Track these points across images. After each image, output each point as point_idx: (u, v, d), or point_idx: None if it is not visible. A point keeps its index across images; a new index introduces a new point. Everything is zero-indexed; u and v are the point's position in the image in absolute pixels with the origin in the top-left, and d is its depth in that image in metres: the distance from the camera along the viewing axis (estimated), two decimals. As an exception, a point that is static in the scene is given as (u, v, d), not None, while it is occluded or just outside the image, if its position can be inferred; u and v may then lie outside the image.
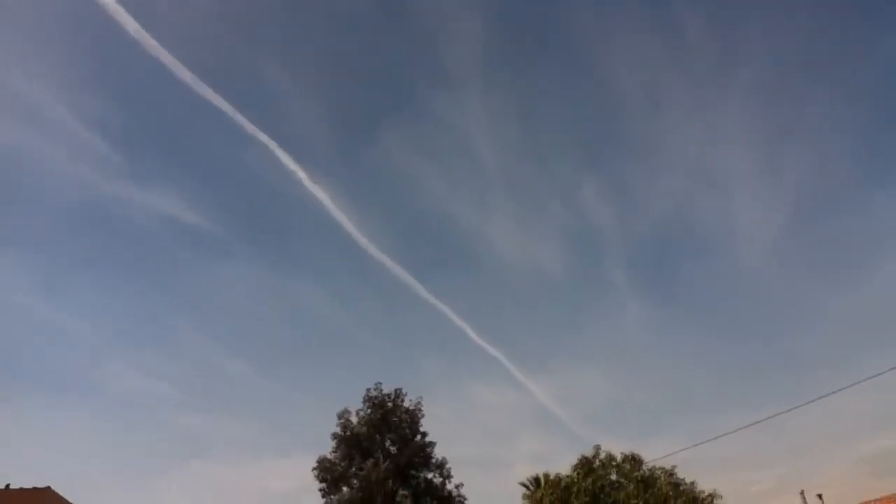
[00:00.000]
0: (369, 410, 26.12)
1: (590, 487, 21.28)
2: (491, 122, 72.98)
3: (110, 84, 64.49)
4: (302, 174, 52.64)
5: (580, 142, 74.73)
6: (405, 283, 56.98)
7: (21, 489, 18.47)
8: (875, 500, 29.08)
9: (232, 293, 70.74)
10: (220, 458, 63.57)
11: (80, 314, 64.74)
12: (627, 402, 65.69)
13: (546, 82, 71.07)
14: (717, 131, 68.21)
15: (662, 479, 21.64)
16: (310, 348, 72.00)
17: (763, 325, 67.83)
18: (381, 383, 26.70)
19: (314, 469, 25.44)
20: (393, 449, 25.90)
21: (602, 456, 22.75)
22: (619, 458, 22.65)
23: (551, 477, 24.05)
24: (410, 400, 26.80)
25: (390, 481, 24.33)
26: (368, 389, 26.60)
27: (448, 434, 48.51)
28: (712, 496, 21.02)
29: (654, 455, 23.17)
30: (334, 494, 24.82)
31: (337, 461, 25.37)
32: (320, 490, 25.25)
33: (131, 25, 46.50)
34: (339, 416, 26.19)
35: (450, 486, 25.58)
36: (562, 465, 23.43)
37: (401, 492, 23.61)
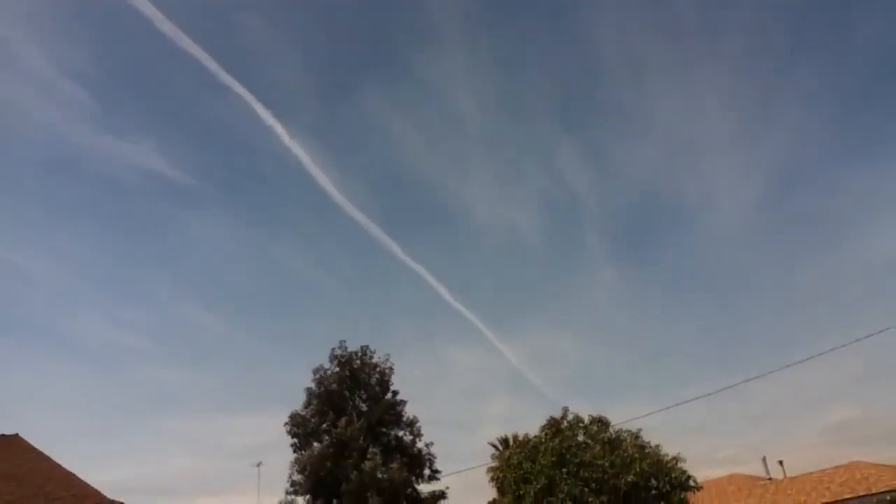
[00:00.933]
0: (337, 369, 26.20)
1: (557, 447, 21.63)
2: (472, 81, 72.06)
3: (89, 33, 62.61)
4: (280, 129, 51.74)
5: (561, 105, 74.31)
6: (381, 242, 56.81)
7: (-12, 435, 18.32)
8: (833, 468, 30.10)
9: (207, 247, 70.42)
10: (191, 411, 64.06)
11: (50, 263, 63.90)
12: (598, 367, 67.10)
13: (528, 43, 70.09)
14: (698, 101, 68.08)
15: (628, 441, 22.02)
16: (284, 304, 72.38)
17: (735, 294, 69.10)
18: (345, 341, 26.71)
19: (286, 424, 25.61)
20: (364, 406, 26.12)
21: (570, 418, 23.08)
22: (586, 420, 22.99)
23: (520, 437, 24.40)
24: (379, 357, 26.99)
25: (362, 438, 24.57)
26: (333, 349, 26.70)
27: (420, 394, 49.07)
28: (676, 459, 21.44)
29: (622, 419, 23.51)
30: (305, 450, 25.03)
31: (308, 417, 25.56)
32: (292, 445, 25.51)
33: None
34: (314, 372, 26.29)
35: (420, 444, 25.99)
36: (531, 426, 23.82)
37: (371, 448, 23.83)
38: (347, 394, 26.06)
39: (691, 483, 21.17)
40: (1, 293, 58.53)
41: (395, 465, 23.74)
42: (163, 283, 68.26)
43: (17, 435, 20.34)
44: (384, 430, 25.83)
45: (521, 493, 21.78)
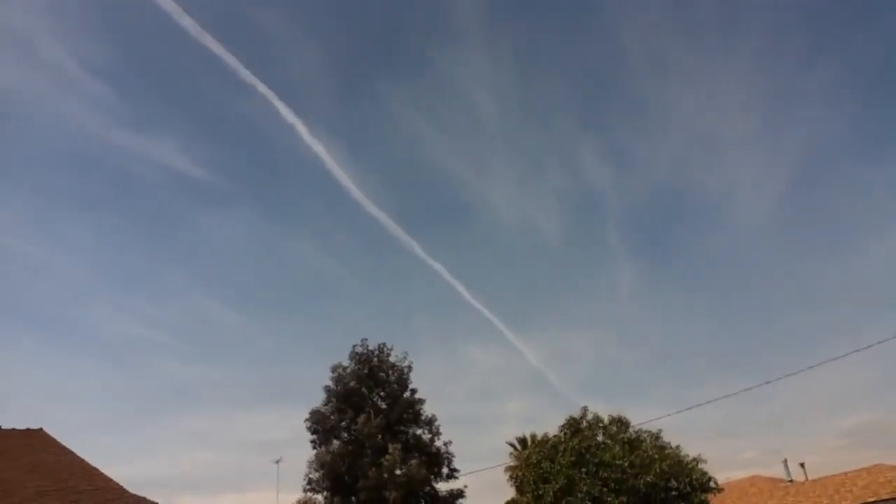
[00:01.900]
0: (357, 366, 26.29)
1: (576, 447, 21.51)
2: (492, 78, 71.86)
3: (109, 28, 63.22)
4: (301, 127, 52.04)
5: (581, 102, 73.81)
6: (400, 240, 56.99)
7: (13, 430, 18.55)
8: (856, 470, 29.66)
9: (226, 243, 70.91)
10: (210, 407, 64.66)
11: (73, 257, 64.89)
12: (617, 367, 66.60)
13: (549, 41, 69.73)
14: (719, 98, 67.34)
15: (648, 441, 21.86)
16: (301, 301, 72.61)
17: (757, 292, 68.27)
18: (366, 339, 26.87)
19: (306, 420, 25.76)
20: (383, 404, 26.19)
21: (589, 417, 22.95)
22: (606, 419, 22.85)
23: (539, 437, 24.32)
24: (396, 355, 27.07)
25: (380, 436, 24.61)
26: (355, 346, 26.86)
27: (438, 392, 49.14)
28: (696, 460, 21.24)
29: (641, 419, 23.34)
30: (325, 446, 25.14)
31: (328, 414, 25.68)
32: (311, 441, 25.63)
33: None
34: (333, 370, 26.41)
35: (438, 443, 25.93)
36: (550, 426, 23.72)
37: (391, 446, 23.88)
38: (366, 391, 26.13)
39: (712, 485, 20.96)
40: (25, 288, 59.63)
41: (414, 462, 23.79)
42: (183, 279, 69.02)
43: (41, 430, 20.55)
44: (402, 428, 25.84)
45: (540, 492, 21.69)
